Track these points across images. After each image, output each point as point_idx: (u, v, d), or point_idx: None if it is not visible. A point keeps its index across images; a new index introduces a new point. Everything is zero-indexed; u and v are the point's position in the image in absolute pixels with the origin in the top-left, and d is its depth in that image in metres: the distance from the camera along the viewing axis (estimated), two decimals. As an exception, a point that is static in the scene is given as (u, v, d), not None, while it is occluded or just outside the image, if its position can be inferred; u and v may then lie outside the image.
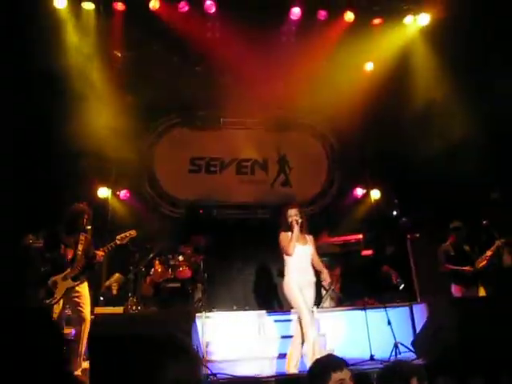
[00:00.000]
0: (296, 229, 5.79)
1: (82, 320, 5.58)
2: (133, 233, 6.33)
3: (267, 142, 11.58)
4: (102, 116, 8.90)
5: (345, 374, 2.99)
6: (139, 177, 10.95)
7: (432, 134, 8.63)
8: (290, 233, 5.86)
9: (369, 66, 10.44)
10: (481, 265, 7.12)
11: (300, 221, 5.89)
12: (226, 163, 11.53)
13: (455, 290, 7.22)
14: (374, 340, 7.03)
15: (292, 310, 6.00)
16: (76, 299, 5.66)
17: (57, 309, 5.54)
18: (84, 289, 5.81)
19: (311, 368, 3.12)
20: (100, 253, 5.97)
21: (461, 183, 8.36)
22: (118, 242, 6.23)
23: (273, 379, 4.04)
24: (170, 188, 11.17)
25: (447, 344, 3.98)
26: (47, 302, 5.49)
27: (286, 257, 5.86)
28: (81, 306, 5.66)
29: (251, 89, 10.03)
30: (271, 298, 9.10)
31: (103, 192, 10.09)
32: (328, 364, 3.03)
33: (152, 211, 10.67)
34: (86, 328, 5.42)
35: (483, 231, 7.32)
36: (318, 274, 6.04)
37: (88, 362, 5.56)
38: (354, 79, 9.87)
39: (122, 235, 6.27)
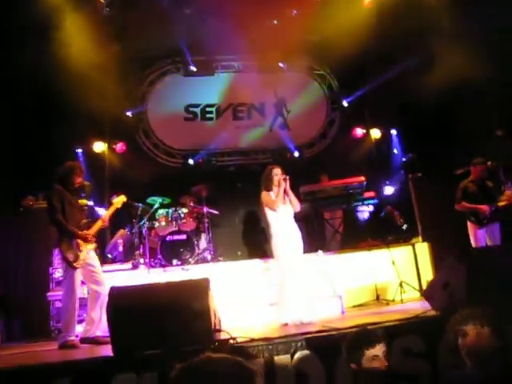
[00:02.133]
0: (282, 187, 5.99)
1: (98, 283, 5.63)
2: (124, 198, 6.30)
3: (263, 85, 11.37)
4: (89, 68, 8.63)
5: (378, 350, 3.10)
6: (134, 128, 10.85)
7: (436, 72, 8.41)
8: (271, 192, 6.04)
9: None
10: (502, 203, 7.05)
11: (285, 178, 6.08)
12: (221, 109, 11.40)
13: (471, 228, 7.23)
14: (379, 280, 7.21)
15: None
16: (90, 261, 5.71)
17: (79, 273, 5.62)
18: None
19: (348, 342, 3.24)
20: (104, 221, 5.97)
21: (465, 119, 8.27)
22: (119, 206, 6.22)
23: (302, 338, 4.07)
24: (165, 137, 11.09)
25: (456, 298, 4.06)
26: (76, 265, 5.52)
27: (269, 218, 6.02)
28: (96, 270, 5.71)
29: (243, 29, 9.74)
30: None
31: (99, 146, 10.00)
32: (361, 340, 3.16)
33: (150, 162, 10.64)
34: (103, 294, 5.44)
35: (488, 171, 7.28)
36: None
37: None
38: (353, 13, 9.52)
39: (117, 199, 6.24)
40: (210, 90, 11.37)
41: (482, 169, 7.16)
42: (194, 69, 11.02)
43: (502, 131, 8.43)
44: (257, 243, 9.67)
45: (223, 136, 11.19)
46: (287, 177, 6.09)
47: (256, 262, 7.39)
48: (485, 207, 7.01)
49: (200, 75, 11.20)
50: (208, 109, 11.36)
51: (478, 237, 7.10)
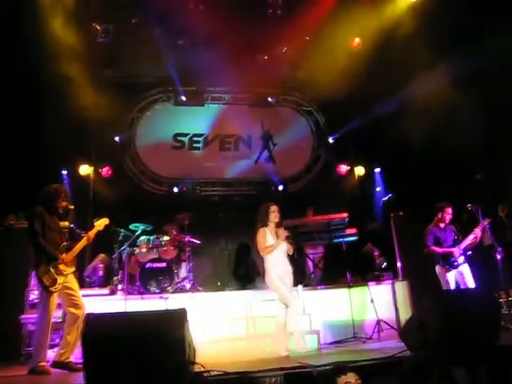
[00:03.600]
0: (279, 240, 6.09)
1: (77, 306, 5.55)
2: (106, 221, 6.26)
3: (251, 118, 11.53)
4: (78, 90, 8.68)
5: (350, 377, 3.41)
6: (121, 153, 10.86)
7: (418, 112, 8.60)
8: (266, 229, 6.14)
9: (356, 42, 10.31)
10: (465, 246, 7.16)
11: (278, 221, 6.22)
12: (209, 139, 11.47)
13: (440, 271, 7.30)
14: (357, 317, 7.19)
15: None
16: (68, 284, 5.62)
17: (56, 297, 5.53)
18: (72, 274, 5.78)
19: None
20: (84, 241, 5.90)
21: (446, 162, 8.43)
22: (101, 229, 6.17)
23: (281, 373, 4.04)
24: (152, 165, 11.11)
25: (431, 338, 4.08)
26: (53, 289, 5.45)
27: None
28: (74, 293, 5.62)
29: (235, 63, 9.91)
30: (255, 275, 9.15)
31: (85, 169, 9.96)
32: (335, 371, 3.48)
33: (135, 188, 10.64)
34: (81, 317, 5.35)
35: (466, 213, 7.39)
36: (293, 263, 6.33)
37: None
38: (341, 54, 9.74)
39: (99, 222, 6.20)
40: (199, 120, 11.47)
41: (448, 212, 7.31)
42: (184, 98, 11.14)
43: (481, 175, 8.61)
44: (237, 274, 9.64)
45: (209, 166, 11.27)
46: (278, 219, 6.20)
47: (236, 294, 7.35)
48: (455, 250, 7.11)
49: (190, 105, 11.33)
50: (196, 138, 11.43)
51: (448, 279, 7.16)
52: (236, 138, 11.64)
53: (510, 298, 7.18)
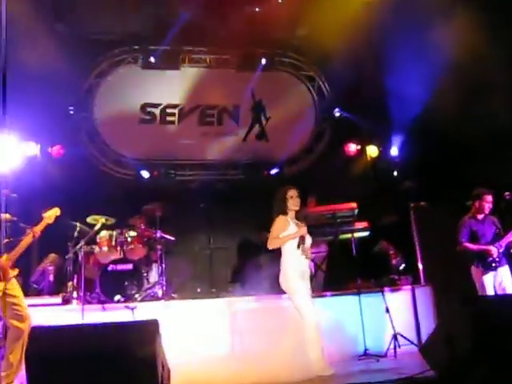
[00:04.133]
0: (301, 229, 6.08)
1: (20, 318, 5.51)
2: (57, 212, 6.21)
3: (239, 85, 11.47)
4: (24, 51, 8.54)
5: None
6: (75, 129, 10.73)
7: (449, 76, 8.59)
8: (287, 217, 6.13)
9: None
10: (507, 243, 7.13)
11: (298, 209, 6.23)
12: (186, 111, 11.38)
13: (475, 274, 7.32)
14: (369, 330, 7.22)
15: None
16: (10, 291, 5.57)
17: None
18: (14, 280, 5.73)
19: None
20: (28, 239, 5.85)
21: (483, 139, 8.43)
22: (51, 221, 6.12)
23: None
24: (115, 142, 11.02)
25: (460, 355, 4.08)
26: None
27: (284, 247, 6.11)
28: (18, 302, 5.58)
29: (219, 16, 9.83)
30: (244, 280, 9.15)
31: (31, 148, 9.84)
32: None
33: (94, 172, 10.57)
34: (26, 332, 5.31)
35: (504, 203, 7.39)
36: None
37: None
38: (351, 6, 9.61)
39: (49, 213, 6.15)
40: (174, 88, 11.38)
41: (487, 200, 7.28)
42: (154, 60, 11.00)
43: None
44: (222, 278, 9.65)
45: (186, 144, 11.24)
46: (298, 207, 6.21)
47: (219, 302, 7.37)
48: (492, 248, 7.11)
49: (162, 68, 11.20)
50: (169, 110, 11.35)
51: (484, 284, 7.17)
52: (220, 110, 11.57)
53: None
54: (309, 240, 6.13)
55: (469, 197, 7.51)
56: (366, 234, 9.02)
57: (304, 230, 6.07)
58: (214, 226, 10.25)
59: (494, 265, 7.10)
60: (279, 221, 6.11)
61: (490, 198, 7.29)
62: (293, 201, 6.17)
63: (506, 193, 7.10)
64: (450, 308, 4.47)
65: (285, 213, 6.15)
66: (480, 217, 7.34)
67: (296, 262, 6.01)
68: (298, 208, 6.17)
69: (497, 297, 6.49)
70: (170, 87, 11.38)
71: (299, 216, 6.24)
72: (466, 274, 7.40)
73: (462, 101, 8.67)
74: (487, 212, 7.32)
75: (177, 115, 11.38)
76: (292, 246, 6.03)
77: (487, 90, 8.45)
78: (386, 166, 11.15)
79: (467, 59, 8.42)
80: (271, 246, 6.07)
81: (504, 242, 7.11)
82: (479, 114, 8.73)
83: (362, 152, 11.33)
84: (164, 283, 8.13)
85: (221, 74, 11.56)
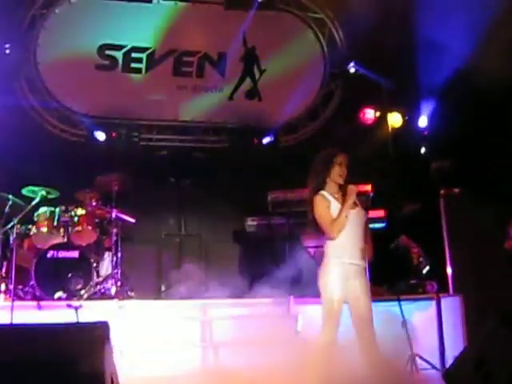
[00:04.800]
0: (350, 199, 5.85)
1: None
2: None
3: (226, 26, 11.41)
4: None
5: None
6: (13, 74, 10.62)
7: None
8: (326, 194, 5.94)
9: None
10: None
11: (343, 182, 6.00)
12: (157, 57, 11.32)
13: None
14: (382, 348, 7.25)
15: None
16: None
17: None
18: None
19: None
20: None
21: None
22: None
23: None
24: (63, 94, 10.94)
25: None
26: None
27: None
28: None
29: None
30: (226, 276, 9.19)
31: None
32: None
33: (34, 131, 10.47)
34: None
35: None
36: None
37: None
38: None
39: None
40: (142, 26, 11.30)
41: None
42: (119, -12, 10.94)
43: None
44: (195, 274, 9.65)
45: (155, 100, 11.19)
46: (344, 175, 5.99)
47: (189, 305, 7.36)
48: None
49: (129, 0, 11.11)
50: (135, 54, 11.28)
51: None
52: (200, 58, 11.51)
53: None
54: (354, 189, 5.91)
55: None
56: (381, 225, 9.04)
57: (353, 190, 5.89)
58: (186, 206, 10.27)
59: None
60: (320, 201, 5.89)
61: None
62: (340, 170, 5.95)
63: None
64: (484, 325, 4.46)
65: (322, 187, 5.95)
66: None
67: (343, 258, 5.83)
68: (342, 181, 5.94)
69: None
70: (138, 25, 11.28)
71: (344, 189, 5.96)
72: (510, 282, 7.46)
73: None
74: None
75: (144, 61, 11.32)
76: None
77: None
78: (412, 139, 11.15)
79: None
80: (336, 231, 5.76)
81: None
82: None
83: (381, 120, 11.32)
84: (119, 277, 8.13)
85: (204, 11, 11.51)
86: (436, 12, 9.68)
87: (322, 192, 5.90)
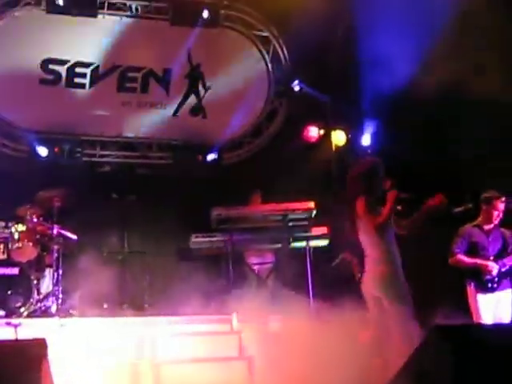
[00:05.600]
0: (391, 203, 5.95)
1: None
2: None
3: (172, 43, 11.41)
4: None
5: None
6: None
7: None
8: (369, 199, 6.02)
9: None
10: None
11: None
12: (101, 72, 11.25)
13: (469, 296, 7.42)
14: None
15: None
16: None
17: None
18: None
19: None
20: None
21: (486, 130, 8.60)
22: None
23: None
24: (4, 108, 10.79)
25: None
26: None
27: (378, 238, 6.00)
28: None
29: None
30: (169, 293, 9.13)
31: None
32: None
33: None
34: None
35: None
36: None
37: None
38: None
39: None
40: (87, 41, 11.21)
41: (497, 207, 7.39)
42: (64, 3, 10.75)
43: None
44: (138, 291, 9.58)
45: (99, 116, 11.13)
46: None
47: (132, 323, 7.28)
48: (491, 265, 7.23)
49: (74, 14, 10.94)
50: (79, 69, 11.18)
51: (479, 308, 7.31)
52: (145, 74, 11.48)
53: None
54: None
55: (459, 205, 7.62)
56: (324, 242, 9.08)
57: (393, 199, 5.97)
58: (129, 223, 10.17)
59: (490, 285, 7.23)
60: (368, 201, 5.97)
61: (501, 204, 7.39)
62: (380, 181, 6.10)
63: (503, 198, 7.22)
64: (426, 338, 4.48)
65: (367, 193, 6.02)
66: (487, 227, 7.46)
67: (396, 257, 6.02)
68: (380, 192, 6.06)
69: (493, 327, 6.59)
70: (83, 40, 11.19)
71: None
72: (455, 295, 7.54)
73: (460, 80, 8.80)
74: (495, 221, 7.44)
75: (89, 77, 11.23)
76: (390, 238, 6.01)
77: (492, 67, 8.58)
78: (355, 158, 11.24)
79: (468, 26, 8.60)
80: (383, 220, 5.90)
81: (510, 261, 7.23)
82: (481, 96, 8.86)
83: (325, 138, 11.39)
84: (60, 295, 8.03)
85: (150, 27, 11.47)
86: (380, 30, 9.79)
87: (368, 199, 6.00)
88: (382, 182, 6.06)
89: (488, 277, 7.23)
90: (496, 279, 7.20)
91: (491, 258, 7.29)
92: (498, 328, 5.57)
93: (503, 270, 7.22)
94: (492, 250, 7.38)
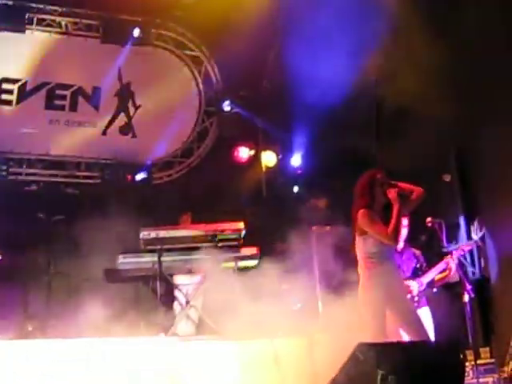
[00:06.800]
0: (396, 203, 5.94)
1: None
2: None
3: (102, 61, 11.35)
4: None
5: None
6: None
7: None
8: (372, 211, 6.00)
9: None
10: (430, 280, 7.38)
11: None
12: (29, 89, 11.10)
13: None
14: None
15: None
16: None
17: None
18: None
19: None
20: None
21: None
22: None
23: None
24: None
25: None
26: None
27: (372, 248, 5.99)
28: None
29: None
30: (95, 315, 9.01)
31: None
32: None
33: None
34: None
35: (425, 231, 7.69)
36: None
37: None
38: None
39: None
40: (13, 57, 11.03)
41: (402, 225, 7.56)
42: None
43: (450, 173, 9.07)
44: (67, 311, 9.40)
45: (26, 133, 10.96)
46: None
47: (61, 343, 7.14)
48: (412, 284, 7.34)
49: (1, 30, 10.79)
50: (6, 86, 11.02)
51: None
52: (74, 92, 11.38)
53: (478, 362, 7.55)
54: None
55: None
56: (254, 262, 9.08)
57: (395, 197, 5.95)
58: (56, 243, 10.00)
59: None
60: (373, 215, 5.94)
61: (404, 220, 7.51)
62: (383, 189, 6.02)
63: (428, 219, 7.34)
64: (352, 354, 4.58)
65: (370, 206, 5.99)
66: (398, 247, 7.56)
67: (390, 276, 6.06)
68: (384, 200, 6.03)
69: (405, 344, 6.72)
70: (10, 56, 11.00)
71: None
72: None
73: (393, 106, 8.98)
74: (403, 240, 7.55)
75: (16, 93, 11.08)
76: (383, 249, 6.01)
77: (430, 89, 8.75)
78: (285, 178, 11.32)
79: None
80: (396, 238, 5.99)
81: (426, 279, 7.36)
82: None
83: (255, 159, 11.44)
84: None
85: (80, 44, 11.40)
86: (309, 53, 9.91)
87: (371, 210, 5.97)
88: (383, 191, 6.01)
89: (409, 296, 7.34)
90: (416, 298, 7.31)
91: (409, 278, 7.41)
92: (416, 345, 5.73)
93: (421, 288, 7.33)
94: (408, 269, 7.51)
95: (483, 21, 8.59)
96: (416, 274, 7.43)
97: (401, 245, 7.39)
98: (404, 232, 7.30)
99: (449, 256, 7.37)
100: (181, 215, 9.73)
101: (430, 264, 7.44)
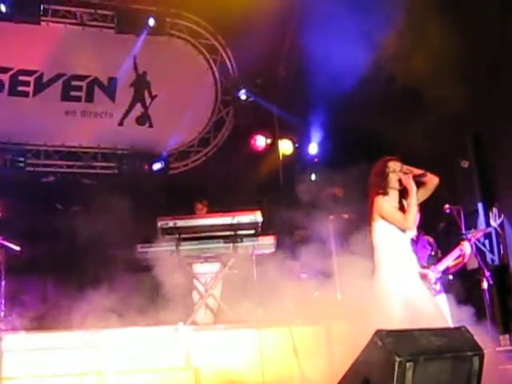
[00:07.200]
0: (410, 188, 5.96)
1: None
2: None
3: (117, 52, 11.38)
4: None
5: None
6: None
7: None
8: (387, 198, 6.03)
9: None
10: (445, 267, 7.36)
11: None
12: (45, 80, 11.14)
13: None
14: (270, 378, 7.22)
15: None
16: None
17: None
18: None
19: None
20: None
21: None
22: None
23: None
24: None
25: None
26: None
27: (384, 236, 6.02)
28: None
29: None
30: (115, 303, 9.04)
31: None
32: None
33: None
34: None
35: (443, 218, 7.68)
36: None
37: None
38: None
39: None
40: (30, 49, 11.06)
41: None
42: (6, 9, 10.62)
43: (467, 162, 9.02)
44: (85, 301, 9.44)
45: (43, 124, 11.03)
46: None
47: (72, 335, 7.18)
48: (428, 272, 7.31)
49: (16, 21, 10.85)
50: (23, 78, 11.09)
51: None
52: (90, 82, 11.43)
53: (497, 349, 7.52)
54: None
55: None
56: (271, 251, 9.07)
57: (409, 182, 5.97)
58: (76, 234, 10.03)
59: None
60: (387, 201, 5.99)
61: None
62: (396, 176, 6.03)
63: (446, 205, 7.31)
64: (368, 344, 4.53)
65: (385, 193, 6.02)
66: (413, 234, 7.54)
67: (403, 260, 6.06)
68: (399, 186, 6.03)
69: (424, 331, 6.68)
70: (26, 47, 11.03)
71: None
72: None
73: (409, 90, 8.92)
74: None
75: (32, 85, 11.13)
76: (396, 235, 6.03)
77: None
78: (302, 167, 11.29)
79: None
80: (412, 222, 5.98)
81: (441, 266, 7.33)
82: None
83: (272, 147, 11.42)
84: (3, 309, 7.89)
85: (95, 35, 11.41)
86: (327, 41, 9.86)
87: (385, 197, 6.00)
88: (398, 178, 6.01)
89: (427, 284, 7.32)
90: (433, 286, 7.29)
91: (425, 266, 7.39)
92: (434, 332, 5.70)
93: (437, 276, 7.31)
94: (423, 257, 7.48)
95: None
96: (431, 261, 7.42)
97: (415, 231, 7.39)
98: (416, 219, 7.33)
99: (462, 242, 7.36)
100: (195, 203, 9.74)
101: (447, 251, 7.43)
